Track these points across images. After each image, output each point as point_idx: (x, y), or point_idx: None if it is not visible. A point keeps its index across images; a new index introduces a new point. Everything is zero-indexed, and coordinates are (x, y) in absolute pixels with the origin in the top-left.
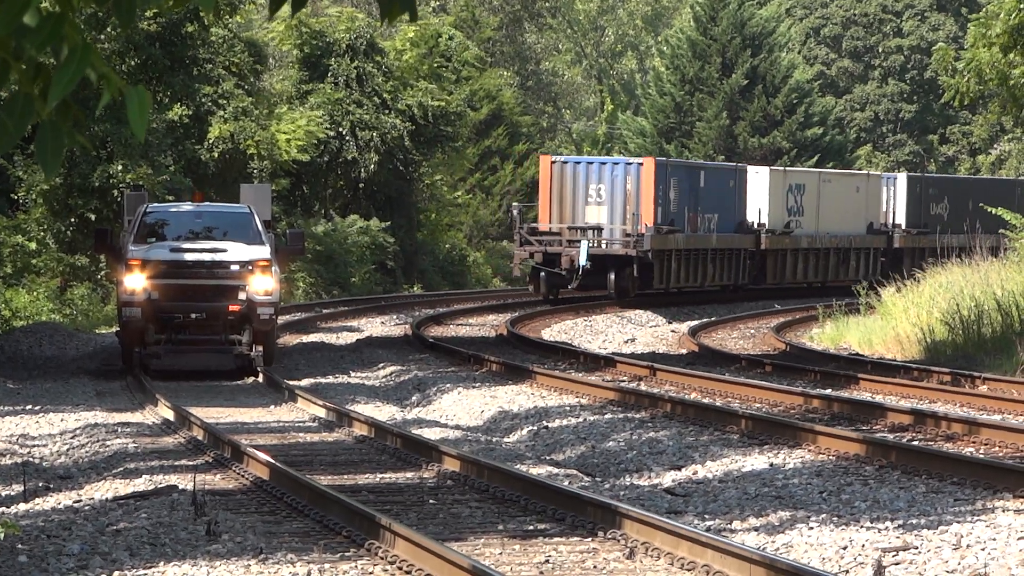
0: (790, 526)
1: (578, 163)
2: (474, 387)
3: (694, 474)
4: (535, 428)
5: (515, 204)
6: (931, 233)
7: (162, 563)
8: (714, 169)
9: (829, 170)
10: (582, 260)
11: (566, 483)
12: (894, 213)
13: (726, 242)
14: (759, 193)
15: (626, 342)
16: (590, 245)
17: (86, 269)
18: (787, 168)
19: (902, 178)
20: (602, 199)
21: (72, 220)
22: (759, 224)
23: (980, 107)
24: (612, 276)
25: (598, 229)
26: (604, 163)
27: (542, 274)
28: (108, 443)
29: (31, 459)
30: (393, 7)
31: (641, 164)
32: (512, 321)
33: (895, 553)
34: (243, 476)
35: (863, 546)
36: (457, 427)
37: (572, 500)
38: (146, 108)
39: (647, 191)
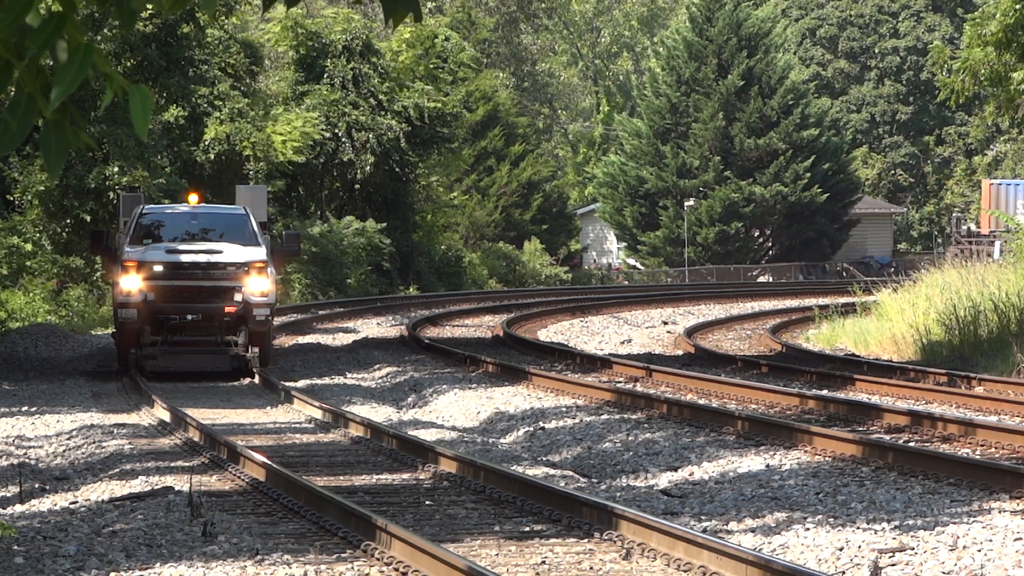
0: (786, 527)
1: (1009, 185)
2: (470, 388)
3: (690, 475)
4: (531, 429)
5: (956, 214)
6: None
7: (158, 564)
8: None
9: None
10: (996, 255)
11: (562, 484)
12: None
13: None
14: None
15: (622, 343)
16: (1003, 244)
17: (82, 271)
18: None
19: None
20: None
21: (68, 222)
22: None
23: (976, 108)
24: None
25: None
26: None
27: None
28: (104, 444)
29: (27, 460)
30: (398, 8)
31: None
32: (508, 322)
33: (891, 554)
34: (239, 477)
35: (859, 547)
36: (453, 428)
37: (568, 501)
38: (148, 106)
39: None
